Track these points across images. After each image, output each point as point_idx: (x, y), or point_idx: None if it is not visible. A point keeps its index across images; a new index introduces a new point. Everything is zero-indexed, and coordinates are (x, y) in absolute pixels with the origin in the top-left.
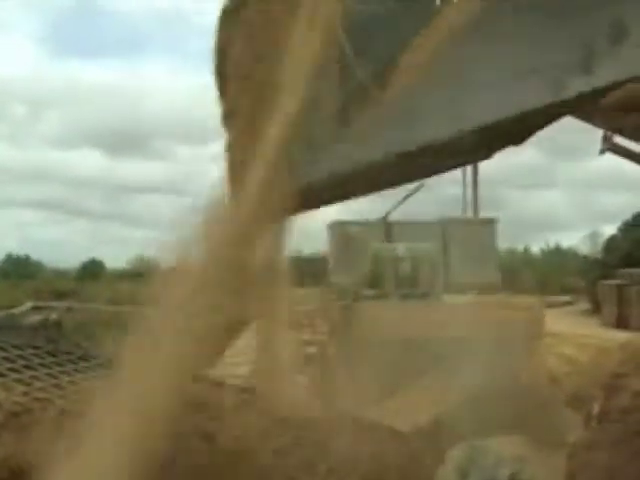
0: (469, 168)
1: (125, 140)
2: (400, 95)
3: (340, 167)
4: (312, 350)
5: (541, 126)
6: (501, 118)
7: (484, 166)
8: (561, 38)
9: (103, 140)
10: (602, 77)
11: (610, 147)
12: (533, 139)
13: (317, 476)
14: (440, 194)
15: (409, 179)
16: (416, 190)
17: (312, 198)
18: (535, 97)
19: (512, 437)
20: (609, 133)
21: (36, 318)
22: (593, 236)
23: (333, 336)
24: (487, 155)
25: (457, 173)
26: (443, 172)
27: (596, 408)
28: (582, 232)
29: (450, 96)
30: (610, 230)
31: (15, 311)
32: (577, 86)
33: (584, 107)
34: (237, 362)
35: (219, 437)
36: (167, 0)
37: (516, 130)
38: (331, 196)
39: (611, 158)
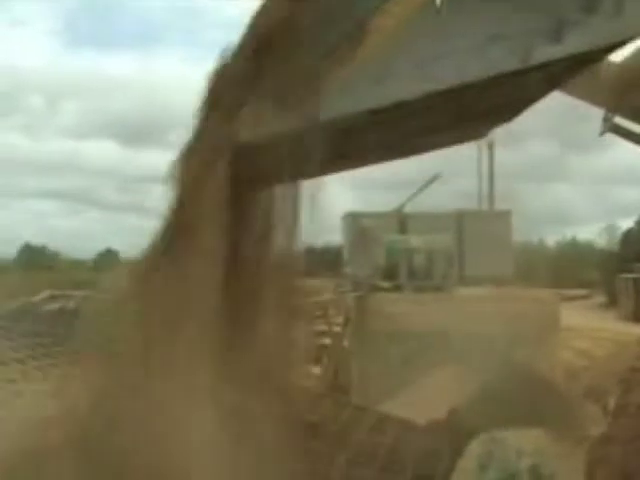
0: (485, 160)
1: (140, 131)
2: (371, 56)
3: (309, 121)
4: (326, 341)
5: (514, 96)
6: (469, 81)
7: (500, 159)
8: (532, 6)
9: (119, 131)
10: (571, 46)
11: (611, 128)
12: (549, 132)
13: (335, 467)
14: (455, 187)
15: (392, 152)
16: (431, 182)
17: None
18: (503, 63)
19: (532, 430)
20: (609, 114)
21: (54, 306)
22: (609, 229)
23: (347, 328)
24: (477, 130)
25: (473, 165)
26: (428, 148)
27: (612, 403)
28: (598, 225)
29: (421, 58)
30: (627, 223)
31: (33, 299)
32: (545, 54)
33: (556, 77)
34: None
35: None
36: None
37: (487, 98)
38: (299, 155)
39: (628, 151)
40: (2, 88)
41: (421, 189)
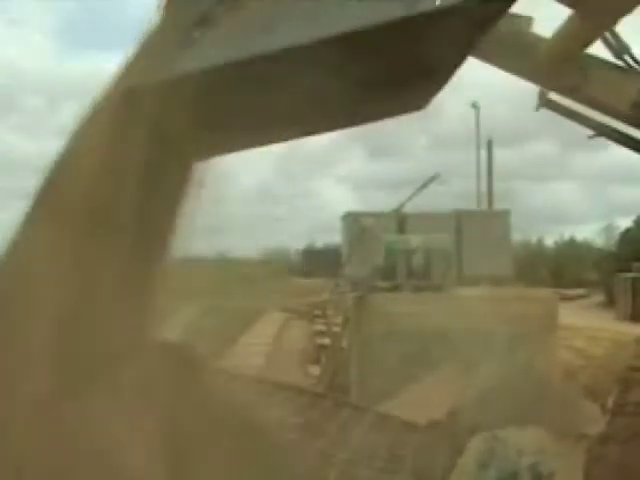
0: (483, 160)
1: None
2: (263, 2)
3: (198, 66)
4: (325, 341)
5: (435, 58)
6: (358, 27)
7: (498, 158)
8: None
9: None
10: None
11: (546, 104)
12: (548, 130)
13: (335, 466)
14: (454, 186)
15: (306, 122)
16: (430, 182)
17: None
18: (390, 10)
19: (532, 429)
20: (544, 90)
21: None
22: (608, 229)
23: (346, 327)
24: (413, 100)
25: (471, 165)
26: (363, 119)
27: (610, 402)
28: (597, 225)
29: (314, 3)
30: (625, 223)
31: None
32: (432, 2)
33: (469, 32)
34: (251, 352)
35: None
36: None
37: (392, 54)
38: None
39: (626, 150)
40: (1, 89)
41: (420, 189)
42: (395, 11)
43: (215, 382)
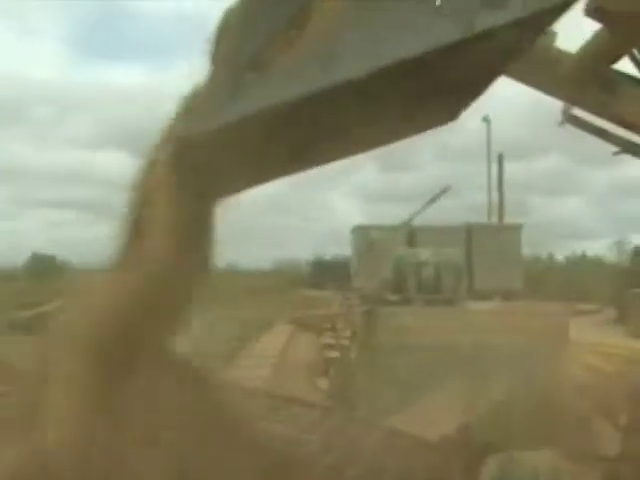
0: (494, 174)
1: (150, 141)
2: (317, 37)
3: (255, 109)
4: (334, 354)
5: (472, 71)
6: (414, 54)
7: (510, 172)
8: None
9: (128, 141)
10: (514, 11)
11: (569, 119)
12: (559, 145)
13: None
14: (464, 200)
15: (354, 143)
16: (440, 195)
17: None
18: (446, 34)
19: (548, 450)
20: (568, 105)
21: None
22: (620, 244)
23: (355, 340)
24: (445, 113)
25: (482, 179)
26: (397, 137)
27: (623, 419)
28: (608, 240)
29: (366, 35)
30: (637, 238)
31: (47, 309)
32: (488, 21)
33: (509, 47)
34: (257, 365)
35: (243, 442)
36: (191, 3)
37: (436, 72)
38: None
39: (638, 165)
40: (12, 98)
41: (430, 202)
42: (451, 35)
43: (223, 396)
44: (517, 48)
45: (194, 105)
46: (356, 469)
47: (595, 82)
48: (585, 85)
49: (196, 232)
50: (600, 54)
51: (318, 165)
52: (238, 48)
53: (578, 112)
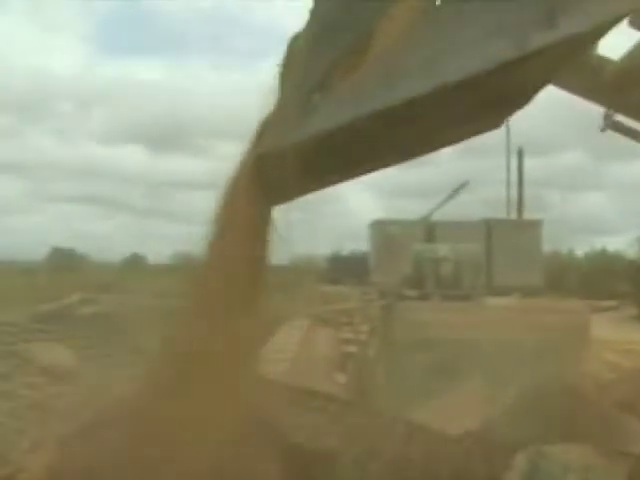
0: (514, 169)
1: (169, 137)
2: (380, 59)
3: (322, 128)
4: (352, 349)
5: (521, 83)
6: (472, 74)
7: (529, 167)
8: None
9: (148, 137)
10: (565, 30)
11: (611, 125)
12: (580, 140)
13: (368, 476)
14: (484, 195)
15: (407, 151)
16: (459, 190)
17: (294, 167)
18: (503, 53)
19: (579, 445)
20: (610, 111)
21: (89, 309)
22: None
23: (373, 336)
24: (491, 121)
25: (501, 174)
26: (445, 144)
27: None
28: (629, 236)
29: (428, 55)
30: None
31: (66, 302)
32: (542, 40)
33: (556, 62)
34: (276, 359)
35: (266, 434)
36: (211, 1)
37: (489, 86)
38: (314, 166)
39: None
40: (34, 93)
41: (449, 197)
42: (507, 53)
43: (248, 389)
44: (565, 62)
45: (269, 126)
46: (379, 463)
47: (638, 88)
48: (628, 91)
49: (266, 231)
50: None
51: (373, 171)
52: (305, 72)
53: (620, 118)
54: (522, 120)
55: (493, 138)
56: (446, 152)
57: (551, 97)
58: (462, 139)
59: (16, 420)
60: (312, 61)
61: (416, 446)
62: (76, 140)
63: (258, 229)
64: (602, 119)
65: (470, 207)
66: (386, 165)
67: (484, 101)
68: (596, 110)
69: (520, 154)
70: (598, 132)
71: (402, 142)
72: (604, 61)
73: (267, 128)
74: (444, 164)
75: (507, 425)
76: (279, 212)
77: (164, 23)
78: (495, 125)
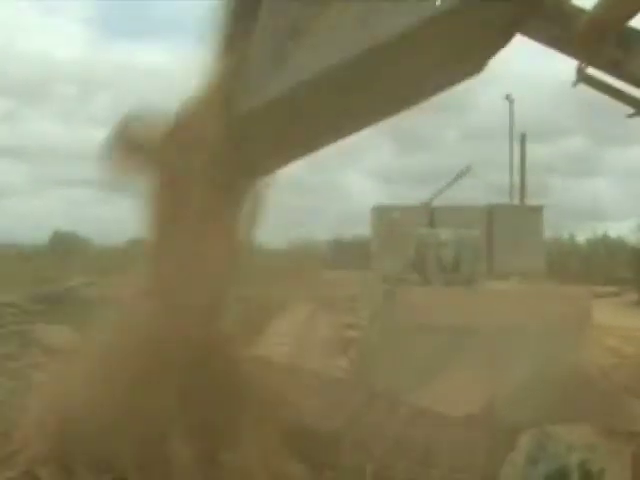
0: (516, 155)
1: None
2: (350, 3)
3: (298, 77)
4: (353, 333)
5: (499, 23)
6: (451, 6)
7: (532, 153)
8: None
9: None
10: None
11: (583, 78)
12: (582, 125)
13: (371, 458)
14: (485, 180)
15: (391, 101)
16: (462, 175)
17: (274, 120)
18: None
19: (582, 426)
20: (583, 65)
21: (91, 291)
22: None
23: (375, 320)
24: (474, 64)
25: (503, 159)
26: (432, 91)
27: None
28: (631, 222)
29: None
30: None
31: (69, 285)
32: None
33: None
34: (278, 342)
35: (272, 417)
36: None
37: (469, 22)
38: (295, 115)
39: None
40: (36, 77)
41: (451, 182)
42: None
43: (252, 371)
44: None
45: (241, 82)
46: (382, 445)
47: (610, 39)
48: (600, 42)
49: (237, 210)
50: (615, 10)
51: (359, 130)
52: (274, 18)
53: (592, 72)
54: (525, 105)
55: (496, 124)
56: (448, 138)
57: (554, 83)
58: (449, 84)
59: (21, 398)
60: (280, 8)
61: (418, 428)
62: (78, 124)
63: (233, 200)
64: (575, 73)
65: (472, 193)
66: (369, 122)
67: (466, 40)
68: (599, 96)
69: (523, 139)
70: (601, 118)
71: (387, 90)
72: (577, 11)
73: (238, 85)
74: (446, 150)
75: (510, 407)
76: (281, 198)
77: (166, 7)
78: (479, 67)
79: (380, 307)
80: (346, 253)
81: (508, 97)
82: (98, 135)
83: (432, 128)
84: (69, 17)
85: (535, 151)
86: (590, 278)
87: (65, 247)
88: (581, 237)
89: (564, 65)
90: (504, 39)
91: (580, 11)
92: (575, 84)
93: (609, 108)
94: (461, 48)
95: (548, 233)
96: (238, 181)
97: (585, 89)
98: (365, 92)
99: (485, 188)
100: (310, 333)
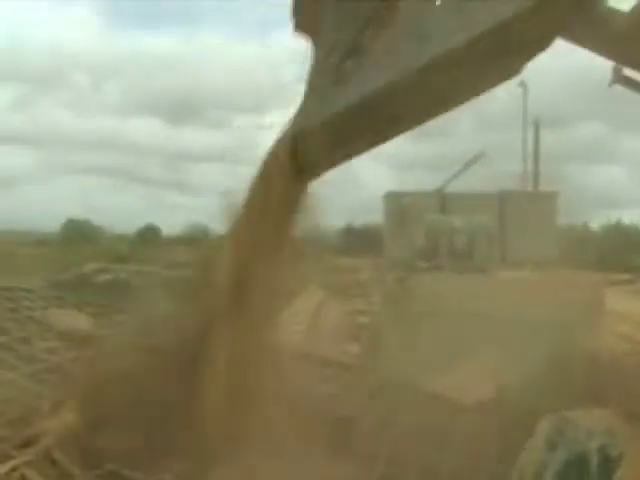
0: (530, 141)
1: (183, 109)
2: (410, 15)
3: (358, 95)
4: (365, 320)
5: (539, 30)
6: (505, 18)
7: (546, 139)
8: None
9: (162, 109)
10: None
11: (620, 79)
12: (596, 112)
13: (383, 444)
14: (499, 167)
15: (440, 105)
16: (474, 161)
17: (334, 139)
18: (523, 1)
19: (602, 410)
20: (619, 65)
21: (106, 277)
22: None
23: (386, 307)
24: (511, 68)
25: (517, 146)
26: (471, 96)
27: None
28: None
29: (456, 8)
30: None
31: (83, 271)
32: None
33: (571, 10)
34: (291, 330)
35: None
36: None
37: (514, 32)
38: (354, 134)
39: None
40: (48, 65)
41: (464, 169)
42: (526, 2)
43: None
44: (578, 9)
45: (303, 101)
46: (395, 430)
47: None
48: (637, 44)
49: (297, 207)
50: None
51: (408, 130)
52: (335, 38)
53: (629, 72)
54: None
55: (510, 110)
56: (461, 124)
57: (568, 68)
58: (488, 89)
59: (36, 383)
60: (341, 25)
61: (431, 414)
62: (91, 112)
63: (291, 205)
64: (611, 73)
65: (485, 179)
66: (418, 124)
67: (508, 47)
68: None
69: (537, 126)
70: (615, 104)
71: (435, 98)
72: (613, 12)
73: (302, 103)
74: (459, 136)
75: (524, 393)
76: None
77: None
78: (516, 71)
79: (392, 294)
80: (358, 240)
81: (522, 84)
82: (111, 123)
83: (445, 115)
84: (81, 5)
85: (549, 138)
86: (604, 266)
87: (78, 234)
88: (595, 224)
89: (580, 51)
90: (548, 41)
91: (616, 12)
92: (611, 84)
93: (624, 94)
94: (503, 56)
95: (562, 220)
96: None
97: (601, 76)
98: (416, 102)
99: (498, 175)
100: (321, 320)
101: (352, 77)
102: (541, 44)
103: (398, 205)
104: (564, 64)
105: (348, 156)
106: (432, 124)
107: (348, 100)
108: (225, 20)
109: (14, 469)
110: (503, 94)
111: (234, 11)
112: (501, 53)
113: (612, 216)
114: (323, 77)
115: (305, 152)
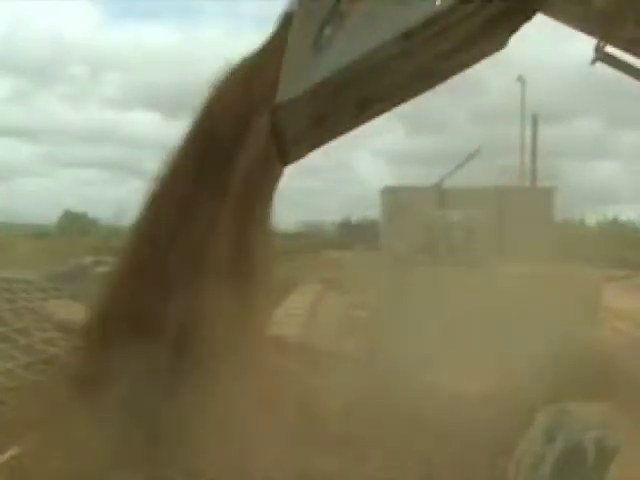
0: (528, 137)
1: (182, 102)
2: None
3: (338, 64)
4: (361, 314)
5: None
6: None
7: (543, 135)
8: None
9: (160, 102)
10: None
11: (602, 57)
12: (594, 108)
13: (385, 433)
14: (496, 162)
15: (423, 79)
16: (472, 157)
17: (319, 105)
18: None
19: (599, 403)
20: (602, 43)
21: (103, 269)
22: None
23: (383, 301)
24: (497, 41)
25: (515, 142)
26: (456, 70)
27: None
28: None
29: None
30: None
31: (81, 263)
32: None
33: None
34: (287, 322)
35: (284, 392)
36: None
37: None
38: (341, 100)
39: None
40: (47, 58)
41: (461, 164)
42: None
43: (264, 349)
44: None
45: (282, 74)
46: (395, 421)
47: (630, 17)
48: (620, 20)
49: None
50: None
51: (386, 111)
52: (312, 5)
53: (611, 50)
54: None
55: (507, 105)
56: (459, 119)
57: (566, 64)
58: (473, 62)
59: (34, 374)
60: None
61: (430, 405)
62: (89, 105)
63: (267, 186)
64: (593, 51)
65: (483, 174)
66: (402, 100)
67: (493, 16)
68: (613, 78)
69: (535, 121)
70: (613, 100)
71: (419, 69)
72: None
73: (281, 76)
74: (457, 131)
75: (523, 385)
76: (291, 180)
77: None
78: (501, 44)
79: (390, 287)
80: (356, 234)
81: (520, 79)
82: (110, 116)
83: (443, 110)
84: None
85: (547, 133)
86: (600, 261)
87: (75, 227)
88: (591, 220)
89: (578, 46)
90: (526, 16)
91: None
92: (593, 62)
93: (622, 90)
94: (488, 25)
95: (558, 216)
96: (274, 168)
97: (600, 71)
98: (398, 73)
99: (495, 170)
100: (318, 313)
101: (331, 45)
102: (526, 12)
103: (395, 200)
104: (562, 60)
105: (331, 132)
106: (430, 119)
107: (328, 69)
108: (225, 13)
109: (13, 458)
110: (501, 90)
111: (234, 4)
112: (486, 18)
113: (609, 212)
114: (302, 47)
115: (285, 126)
